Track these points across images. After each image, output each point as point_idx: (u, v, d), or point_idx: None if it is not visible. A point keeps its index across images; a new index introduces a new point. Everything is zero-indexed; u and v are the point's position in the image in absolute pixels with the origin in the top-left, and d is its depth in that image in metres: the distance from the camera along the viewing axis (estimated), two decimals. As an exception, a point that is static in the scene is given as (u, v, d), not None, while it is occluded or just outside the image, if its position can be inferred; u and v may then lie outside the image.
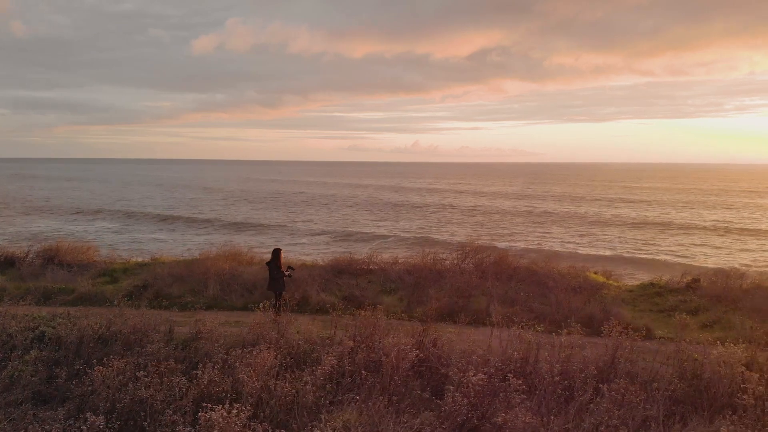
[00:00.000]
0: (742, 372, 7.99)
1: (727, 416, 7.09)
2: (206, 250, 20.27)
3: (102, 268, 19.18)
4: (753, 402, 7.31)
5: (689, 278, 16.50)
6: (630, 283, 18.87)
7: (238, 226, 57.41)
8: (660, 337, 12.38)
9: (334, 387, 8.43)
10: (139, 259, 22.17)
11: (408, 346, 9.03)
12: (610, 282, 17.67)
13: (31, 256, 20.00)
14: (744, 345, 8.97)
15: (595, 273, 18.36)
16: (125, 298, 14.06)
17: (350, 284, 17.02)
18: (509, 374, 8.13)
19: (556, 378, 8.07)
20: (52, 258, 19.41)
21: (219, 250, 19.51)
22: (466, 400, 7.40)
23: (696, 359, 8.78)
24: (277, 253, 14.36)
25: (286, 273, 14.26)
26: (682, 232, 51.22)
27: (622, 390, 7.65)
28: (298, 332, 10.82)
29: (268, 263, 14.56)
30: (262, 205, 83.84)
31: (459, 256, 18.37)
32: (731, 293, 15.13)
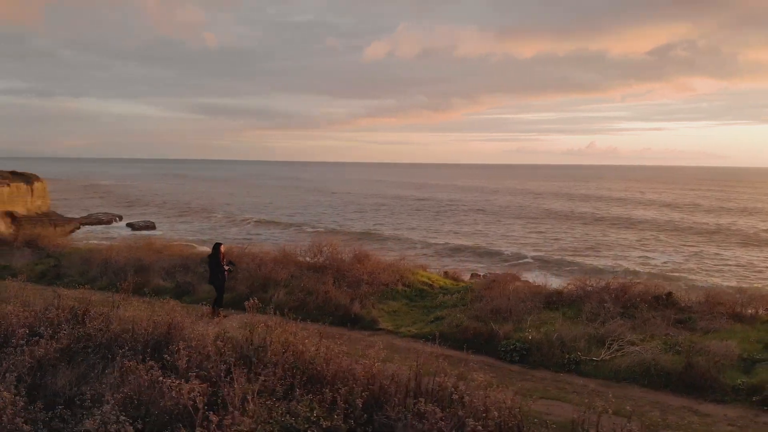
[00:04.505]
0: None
1: None
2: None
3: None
4: None
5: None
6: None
7: (364, 236, 56.81)
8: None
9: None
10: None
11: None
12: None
13: None
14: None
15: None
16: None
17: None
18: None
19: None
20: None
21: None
22: None
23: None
24: (216, 247, 14.36)
25: (226, 268, 14.09)
26: None
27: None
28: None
29: (208, 257, 14.75)
30: (410, 212, 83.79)
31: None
32: None
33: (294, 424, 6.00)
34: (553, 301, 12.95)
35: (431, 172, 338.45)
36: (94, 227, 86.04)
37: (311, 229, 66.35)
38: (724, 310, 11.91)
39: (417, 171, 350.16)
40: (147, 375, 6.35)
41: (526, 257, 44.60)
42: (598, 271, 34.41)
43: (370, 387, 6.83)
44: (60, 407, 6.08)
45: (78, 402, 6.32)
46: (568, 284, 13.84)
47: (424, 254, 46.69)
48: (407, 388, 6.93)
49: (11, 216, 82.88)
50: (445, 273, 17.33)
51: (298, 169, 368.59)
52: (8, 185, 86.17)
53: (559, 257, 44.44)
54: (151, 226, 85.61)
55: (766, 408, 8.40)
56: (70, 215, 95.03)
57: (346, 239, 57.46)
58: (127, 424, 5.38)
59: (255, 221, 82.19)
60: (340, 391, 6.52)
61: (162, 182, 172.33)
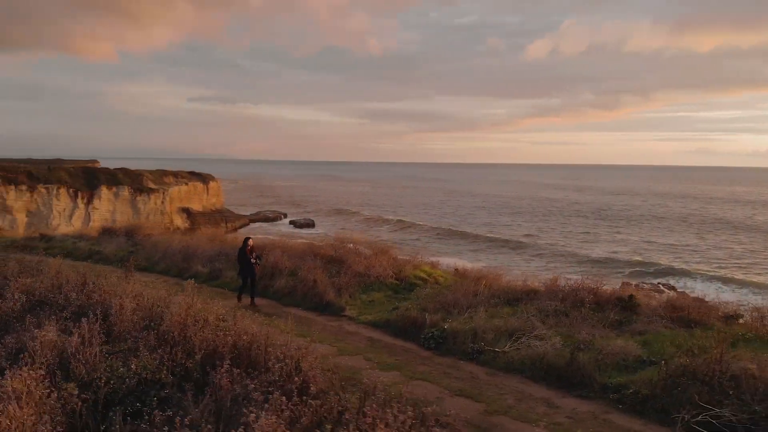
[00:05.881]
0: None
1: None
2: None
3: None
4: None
5: None
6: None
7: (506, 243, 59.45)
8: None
9: None
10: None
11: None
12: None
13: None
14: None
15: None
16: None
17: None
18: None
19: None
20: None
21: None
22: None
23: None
24: (245, 242, 15.59)
25: (254, 261, 15.16)
26: None
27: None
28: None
29: (238, 251, 15.79)
30: (567, 216, 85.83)
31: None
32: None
33: (124, 373, 7.54)
34: (517, 298, 13.31)
35: (598, 173, 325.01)
36: (261, 224, 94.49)
37: (445, 235, 68.11)
38: (682, 315, 11.66)
39: (582, 173, 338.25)
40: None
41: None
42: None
43: (207, 350, 8.20)
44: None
45: None
46: (543, 285, 14.04)
47: (554, 266, 46.56)
48: (236, 354, 8.20)
49: (187, 212, 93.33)
50: (456, 270, 17.90)
51: (457, 171, 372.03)
52: (186, 184, 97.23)
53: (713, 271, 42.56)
54: (310, 224, 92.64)
55: (620, 406, 8.56)
56: (241, 212, 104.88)
57: (481, 246, 58.60)
58: None
59: (396, 221, 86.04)
60: (176, 352, 7.97)
61: (325, 183, 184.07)
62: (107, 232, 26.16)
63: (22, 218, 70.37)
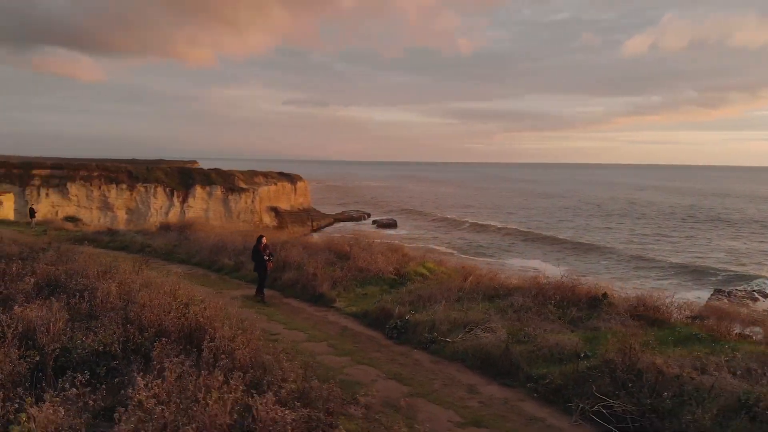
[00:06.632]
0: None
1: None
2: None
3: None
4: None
5: None
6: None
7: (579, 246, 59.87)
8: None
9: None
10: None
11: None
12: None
13: None
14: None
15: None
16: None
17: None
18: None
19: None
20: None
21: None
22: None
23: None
24: (258, 240, 16.47)
25: (267, 258, 15.95)
26: None
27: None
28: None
29: (253, 248, 16.68)
30: (663, 220, 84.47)
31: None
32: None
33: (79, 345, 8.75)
34: (497, 295, 13.72)
35: (700, 175, 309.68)
36: (345, 223, 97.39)
37: (529, 238, 67.64)
38: (645, 314, 11.74)
39: (683, 173, 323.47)
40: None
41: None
42: None
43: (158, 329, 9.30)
44: None
45: None
46: (524, 281, 14.35)
47: (639, 273, 45.72)
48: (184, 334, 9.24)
49: (275, 210, 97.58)
50: (463, 267, 18.31)
51: (549, 171, 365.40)
52: (275, 184, 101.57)
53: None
54: (393, 224, 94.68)
55: (535, 395, 8.99)
56: (327, 212, 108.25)
57: (565, 250, 57.85)
58: None
59: (470, 224, 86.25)
60: (130, 329, 9.13)
61: (411, 184, 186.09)
62: (164, 227, 28.38)
63: (122, 215, 76.08)
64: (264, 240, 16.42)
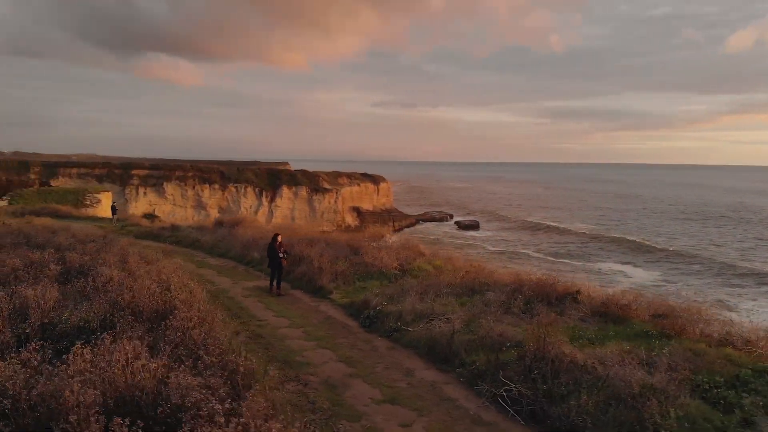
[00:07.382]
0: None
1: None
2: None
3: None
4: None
5: None
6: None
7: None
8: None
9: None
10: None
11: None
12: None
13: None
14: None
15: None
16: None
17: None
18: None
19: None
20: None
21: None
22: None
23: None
24: (274, 238, 17.37)
25: (281, 255, 16.63)
26: None
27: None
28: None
29: (268, 246, 17.51)
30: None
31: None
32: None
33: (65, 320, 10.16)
34: (480, 290, 14.21)
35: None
36: (427, 224, 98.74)
37: (614, 243, 66.16)
38: (610, 311, 11.98)
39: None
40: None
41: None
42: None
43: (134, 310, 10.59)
44: None
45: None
46: (509, 278, 14.71)
47: (727, 282, 44.30)
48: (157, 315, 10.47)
49: (357, 210, 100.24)
50: (470, 264, 18.75)
51: (646, 173, 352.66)
52: (358, 185, 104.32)
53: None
54: (475, 226, 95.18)
55: (461, 379, 9.59)
56: (409, 213, 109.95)
57: (655, 258, 56.46)
58: None
59: (556, 226, 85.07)
60: (109, 308, 10.47)
61: (497, 185, 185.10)
62: (218, 223, 30.31)
63: (214, 213, 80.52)
64: (279, 238, 17.34)
